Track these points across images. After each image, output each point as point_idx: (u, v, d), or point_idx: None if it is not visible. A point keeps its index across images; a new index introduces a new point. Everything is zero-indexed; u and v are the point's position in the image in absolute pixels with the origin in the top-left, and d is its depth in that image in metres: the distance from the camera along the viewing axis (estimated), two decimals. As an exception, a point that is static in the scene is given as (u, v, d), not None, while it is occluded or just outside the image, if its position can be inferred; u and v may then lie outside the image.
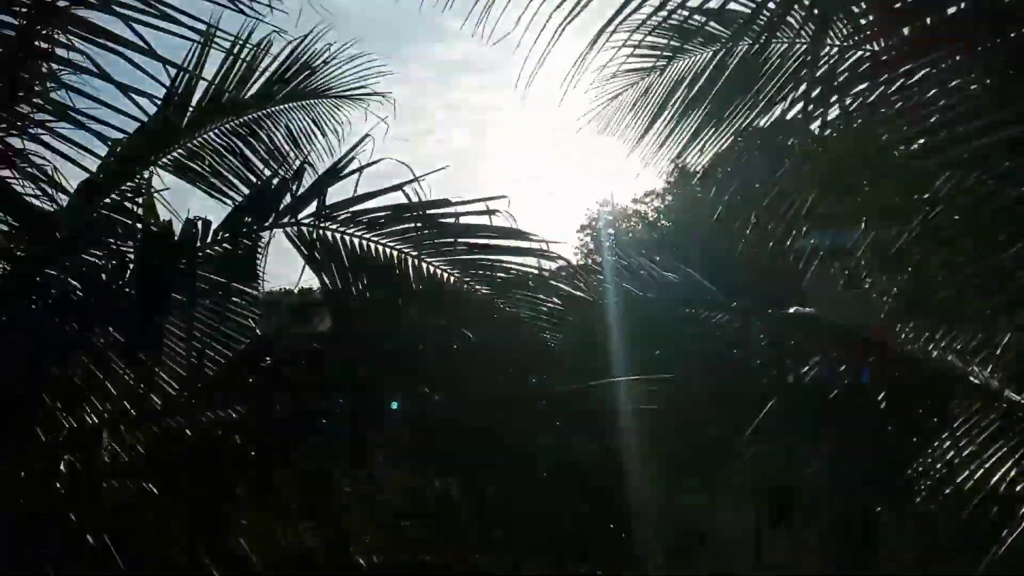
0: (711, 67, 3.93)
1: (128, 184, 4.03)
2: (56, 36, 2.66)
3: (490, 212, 3.39)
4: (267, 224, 3.51)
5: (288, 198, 3.53)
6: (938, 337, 4.26)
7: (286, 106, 5.03)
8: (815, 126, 3.43)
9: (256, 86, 4.50)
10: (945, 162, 3.07)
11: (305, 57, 4.65)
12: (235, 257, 3.52)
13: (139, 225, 3.86)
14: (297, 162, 5.19)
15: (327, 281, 3.54)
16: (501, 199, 3.43)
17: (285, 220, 3.51)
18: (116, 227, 3.87)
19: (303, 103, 5.11)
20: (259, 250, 3.64)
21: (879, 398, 4.25)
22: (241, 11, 2.55)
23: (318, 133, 5.34)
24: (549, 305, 3.61)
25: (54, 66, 2.73)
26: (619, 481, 3.75)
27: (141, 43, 2.30)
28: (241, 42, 4.00)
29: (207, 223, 3.61)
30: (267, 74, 4.51)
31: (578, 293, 3.66)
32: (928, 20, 2.66)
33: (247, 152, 4.85)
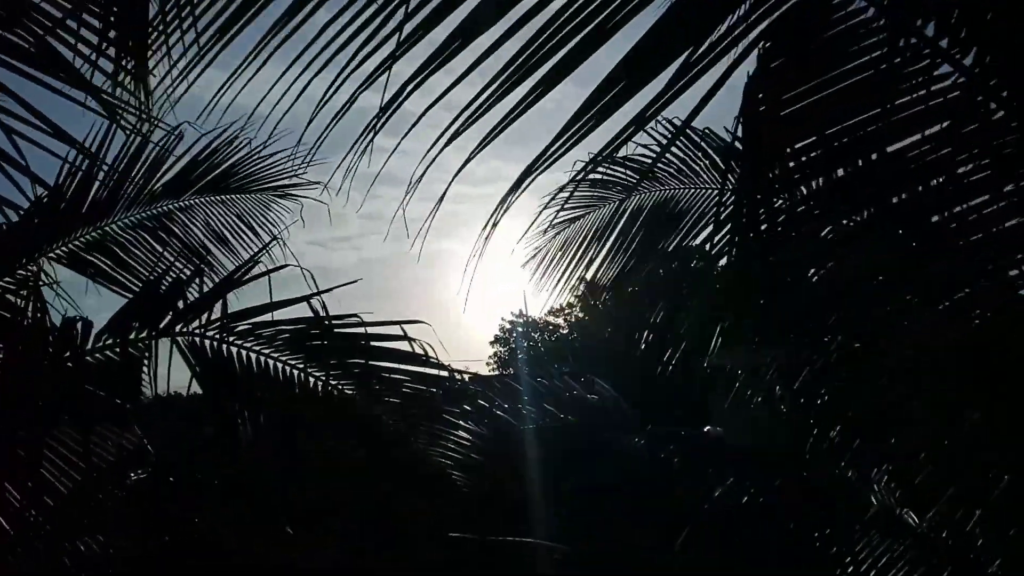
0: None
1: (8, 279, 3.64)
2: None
3: (408, 338, 3.11)
4: (154, 333, 3.15)
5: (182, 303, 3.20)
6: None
7: (205, 199, 4.73)
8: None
9: (167, 177, 4.19)
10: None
11: (225, 151, 4.39)
12: (114, 367, 3.14)
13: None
14: (225, 260, 4.85)
15: (216, 399, 3.18)
16: (419, 323, 3.18)
17: (176, 329, 3.17)
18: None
19: (223, 198, 4.81)
20: (146, 358, 3.26)
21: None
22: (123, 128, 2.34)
23: (245, 230, 5.02)
24: (462, 433, 3.30)
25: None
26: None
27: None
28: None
29: (88, 324, 3.25)
30: (180, 164, 4.21)
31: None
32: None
33: (159, 247, 4.48)
